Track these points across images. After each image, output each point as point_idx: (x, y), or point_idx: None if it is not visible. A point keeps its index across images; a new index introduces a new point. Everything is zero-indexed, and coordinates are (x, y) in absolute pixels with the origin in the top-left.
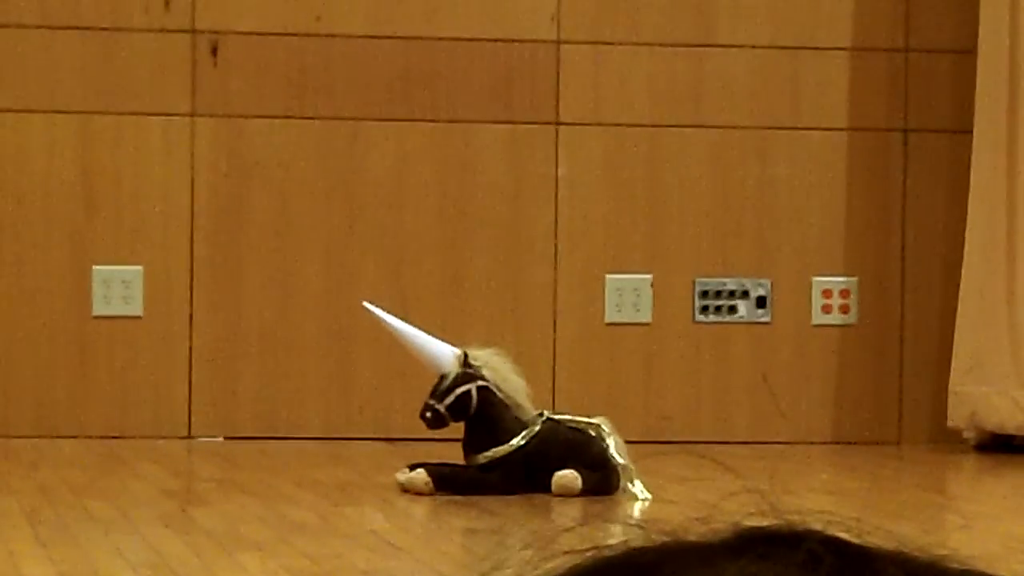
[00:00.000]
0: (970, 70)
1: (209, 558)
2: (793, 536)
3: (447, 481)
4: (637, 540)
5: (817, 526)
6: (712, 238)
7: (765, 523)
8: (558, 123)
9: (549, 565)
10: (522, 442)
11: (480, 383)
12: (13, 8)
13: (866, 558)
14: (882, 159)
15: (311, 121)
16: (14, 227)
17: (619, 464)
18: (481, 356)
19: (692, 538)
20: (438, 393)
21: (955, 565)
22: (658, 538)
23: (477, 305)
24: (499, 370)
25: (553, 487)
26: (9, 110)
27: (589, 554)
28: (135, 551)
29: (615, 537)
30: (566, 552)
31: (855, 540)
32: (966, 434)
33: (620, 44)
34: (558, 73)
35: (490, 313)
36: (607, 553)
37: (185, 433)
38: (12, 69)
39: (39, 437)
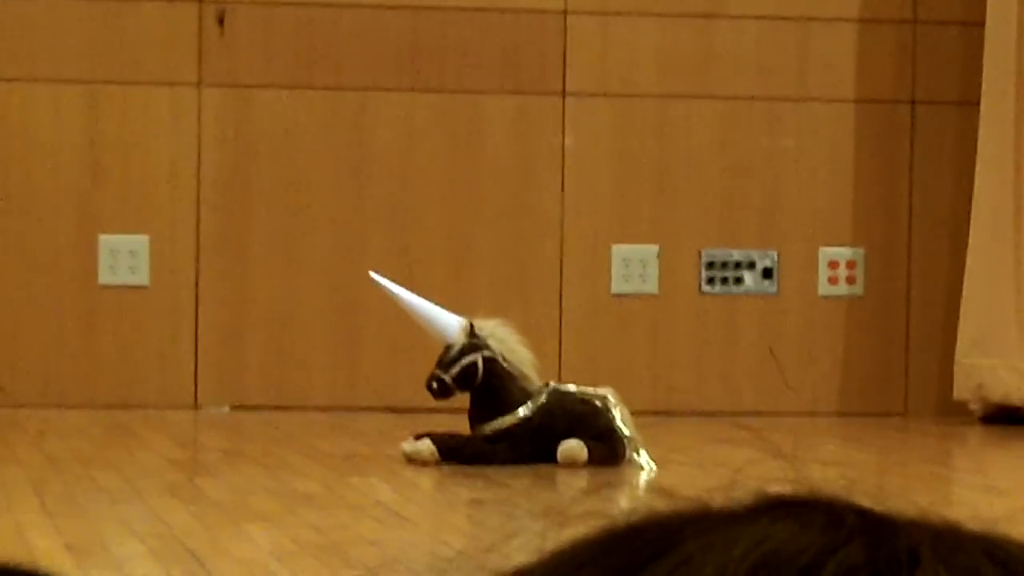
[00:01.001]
0: (978, 42)
1: (216, 529)
2: (816, 500)
3: (453, 451)
4: (658, 506)
5: (840, 492)
6: (719, 209)
7: (788, 490)
8: (565, 94)
9: (566, 532)
10: (528, 413)
11: (486, 354)
12: None
13: (889, 521)
14: (889, 131)
15: (318, 92)
16: (21, 197)
17: (625, 435)
18: (487, 327)
19: (714, 505)
20: (444, 363)
21: (975, 528)
22: (680, 505)
23: (483, 276)
24: (505, 341)
25: (559, 458)
26: (16, 79)
27: (610, 521)
28: (142, 521)
29: (636, 504)
30: (582, 516)
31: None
32: (972, 406)
33: (627, 14)
34: (565, 44)
35: (496, 284)
36: (629, 519)
37: (191, 403)
38: (19, 39)
39: (46, 407)
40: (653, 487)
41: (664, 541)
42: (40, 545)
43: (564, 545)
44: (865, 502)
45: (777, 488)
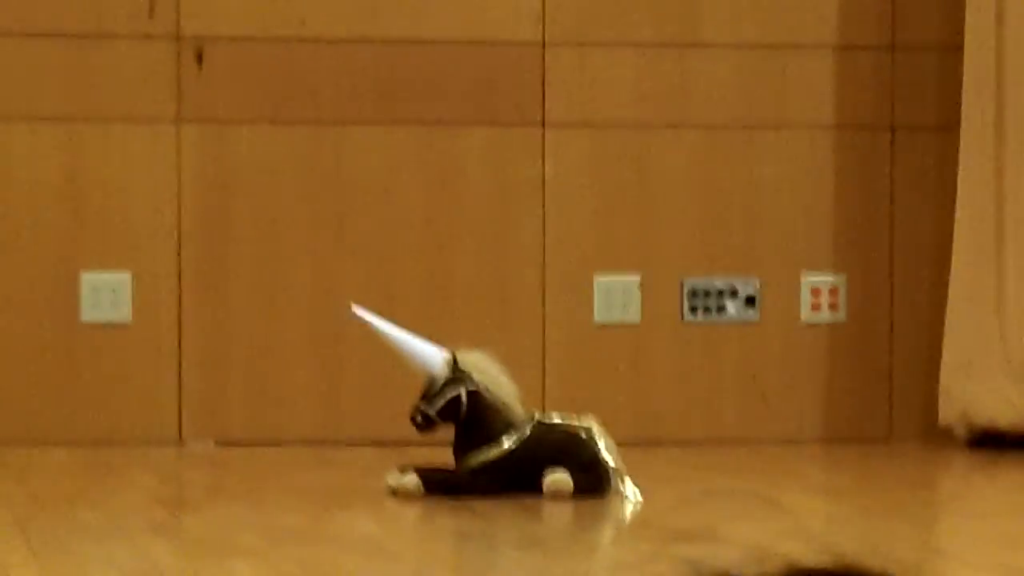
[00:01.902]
0: (957, 67)
1: (200, 565)
2: (846, 573)
3: (438, 484)
4: None
5: (874, 565)
6: (700, 238)
7: (818, 562)
8: (544, 124)
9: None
10: (513, 444)
11: (470, 386)
12: None
13: None
14: (869, 156)
15: (296, 126)
16: (2, 235)
17: (610, 465)
18: (470, 359)
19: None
20: (428, 396)
21: None
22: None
23: (465, 308)
24: (488, 372)
25: (544, 489)
26: None
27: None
28: (127, 559)
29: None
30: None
31: None
32: (957, 431)
33: (605, 45)
34: (543, 75)
35: (478, 315)
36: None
37: (175, 439)
38: None
39: (28, 445)
40: (693, 558)
41: None
42: None
43: None
44: (886, 567)
45: (809, 559)
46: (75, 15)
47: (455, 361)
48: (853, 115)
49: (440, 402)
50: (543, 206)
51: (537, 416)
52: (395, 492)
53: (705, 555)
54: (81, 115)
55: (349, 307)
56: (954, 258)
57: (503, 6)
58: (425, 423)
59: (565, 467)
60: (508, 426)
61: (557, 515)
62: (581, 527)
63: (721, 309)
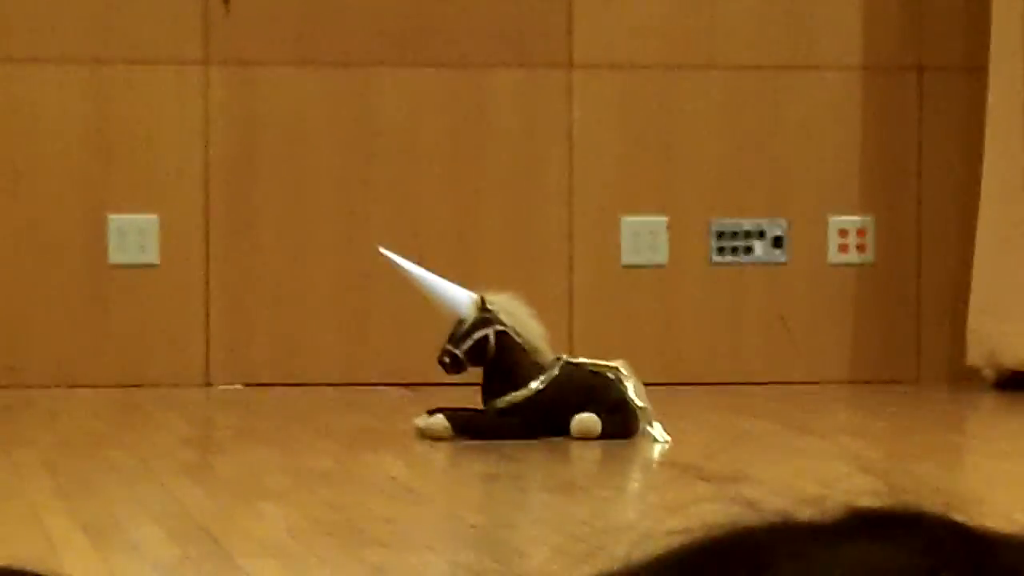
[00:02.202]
0: (985, 6)
1: (230, 507)
2: (912, 518)
3: (466, 426)
4: (746, 520)
5: (935, 508)
6: (727, 179)
7: (879, 504)
8: (571, 66)
9: (655, 546)
10: (541, 386)
11: (498, 328)
12: None
13: (988, 543)
14: (897, 97)
15: (323, 68)
16: (28, 177)
17: (638, 407)
18: (498, 301)
19: (803, 518)
20: (456, 338)
21: None
22: (768, 518)
23: (493, 250)
24: (516, 314)
25: (573, 431)
26: (21, 59)
27: (697, 533)
28: (156, 501)
29: (721, 515)
30: (671, 532)
31: (973, 523)
32: (985, 372)
33: None
34: (570, 16)
35: (506, 257)
36: (716, 533)
37: (203, 381)
38: (22, 19)
39: (57, 387)
40: (669, 460)
41: (756, 562)
42: (55, 527)
43: (649, 559)
44: (940, 509)
45: (868, 502)
46: None
47: (483, 303)
48: (881, 55)
49: (468, 343)
50: (570, 148)
51: (565, 358)
52: (423, 434)
53: (757, 497)
54: (108, 57)
55: (377, 249)
56: (982, 199)
57: None
58: (453, 365)
59: (593, 409)
60: (536, 368)
61: (585, 457)
62: (609, 469)
63: (748, 250)
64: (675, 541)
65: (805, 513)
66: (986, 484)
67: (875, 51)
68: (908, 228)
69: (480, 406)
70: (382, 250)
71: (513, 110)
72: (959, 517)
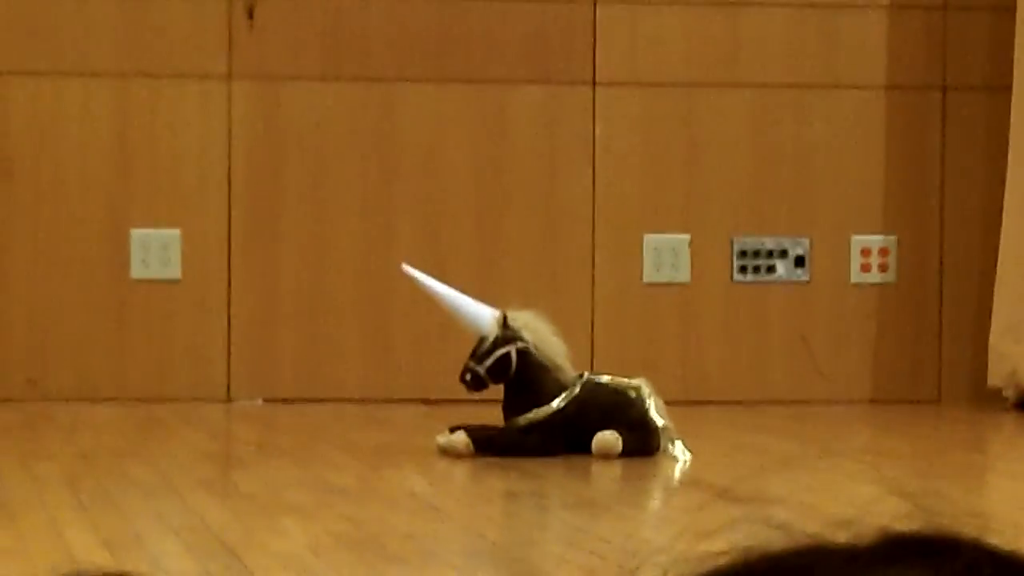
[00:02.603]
0: (1009, 27)
1: (250, 522)
2: (948, 543)
3: (487, 443)
4: (781, 542)
5: (970, 532)
6: (750, 197)
7: (914, 528)
8: (594, 83)
9: (685, 569)
10: (562, 404)
11: (520, 345)
12: None
13: (1021, 565)
14: (920, 117)
15: (347, 83)
16: (52, 191)
17: (659, 425)
18: (520, 318)
19: (839, 543)
20: (478, 355)
21: None
22: (802, 542)
23: (515, 266)
24: (538, 332)
25: (593, 449)
26: (45, 73)
27: (733, 556)
28: (176, 515)
29: (751, 538)
30: (707, 554)
31: (1009, 549)
32: (1006, 392)
33: (656, 3)
34: (594, 33)
35: (528, 274)
36: (752, 556)
37: (224, 396)
38: (47, 33)
39: (78, 401)
40: (691, 479)
41: None
42: (76, 541)
43: None
44: (997, 543)
45: (903, 525)
46: None
47: (505, 320)
48: (904, 75)
49: (490, 361)
50: (593, 165)
51: (586, 376)
52: (444, 451)
53: (783, 518)
54: (132, 71)
55: (399, 266)
56: (1004, 219)
57: None
58: (475, 382)
59: (614, 427)
60: (558, 385)
61: (606, 475)
62: (630, 487)
63: (771, 269)
64: (710, 565)
65: (840, 537)
66: (1012, 505)
67: (899, 70)
68: (930, 248)
69: (501, 423)
70: (404, 267)
71: (536, 127)
72: (994, 541)
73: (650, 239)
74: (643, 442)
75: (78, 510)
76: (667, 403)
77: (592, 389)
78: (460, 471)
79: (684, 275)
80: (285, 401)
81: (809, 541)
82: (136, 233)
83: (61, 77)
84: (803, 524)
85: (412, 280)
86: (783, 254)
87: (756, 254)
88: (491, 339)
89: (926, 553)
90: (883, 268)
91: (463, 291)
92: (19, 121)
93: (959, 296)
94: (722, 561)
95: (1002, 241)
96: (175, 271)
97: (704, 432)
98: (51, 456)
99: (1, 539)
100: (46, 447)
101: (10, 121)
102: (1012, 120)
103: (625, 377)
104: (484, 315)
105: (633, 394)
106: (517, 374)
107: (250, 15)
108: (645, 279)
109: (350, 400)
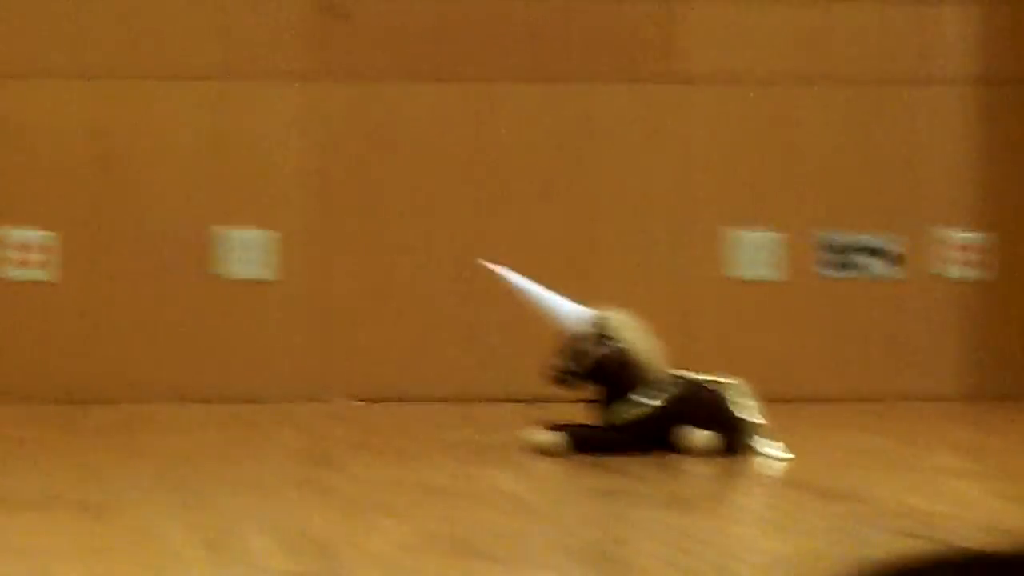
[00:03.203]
0: None
1: (346, 521)
2: None
3: (580, 442)
4: (937, 553)
5: None
6: (843, 194)
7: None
8: (685, 81)
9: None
10: (657, 402)
11: (613, 344)
12: None
13: None
14: (1016, 111)
15: (441, 83)
16: (150, 193)
17: (753, 423)
18: (613, 316)
19: (979, 550)
20: (571, 354)
21: None
22: (962, 551)
23: (606, 265)
24: (631, 330)
25: (687, 447)
26: (145, 76)
27: (886, 568)
28: (273, 515)
29: (906, 547)
30: (869, 561)
31: None
32: None
33: (747, 0)
34: (684, 30)
35: (619, 272)
36: (909, 566)
37: (318, 396)
38: (148, 37)
39: (174, 401)
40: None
41: None
42: (173, 539)
43: None
44: None
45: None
46: None
47: (599, 319)
48: (999, 69)
49: (583, 360)
50: (684, 162)
51: (680, 374)
52: (538, 449)
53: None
54: (226, 73)
55: (489, 264)
56: None
57: None
58: (569, 380)
59: (708, 425)
60: (651, 384)
61: (701, 473)
62: (724, 485)
63: (864, 265)
64: (852, 572)
65: (979, 544)
66: None
67: (993, 64)
68: None
69: (595, 422)
70: (496, 266)
71: (626, 125)
72: None
73: (743, 236)
74: (737, 440)
75: (176, 508)
76: (761, 401)
77: (685, 388)
78: (555, 470)
79: (777, 272)
80: (380, 400)
81: (969, 551)
82: (231, 233)
83: (156, 79)
84: (914, 527)
85: (504, 279)
86: (876, 251)
87: (849, 250)
88: (584, 338)
89: None
90: (979, 264)
91: (555, 289)
92: (118, 123)
93: None
94: (869, 571)
95: None
96: (268, 271)
97: (798, 430)
98: (149, 455)
99: (101, 538)
100: (144, 447)
101: (110, 123)
102: None
103: (717, 375)
104: (576, 313)
105: (726, 392)
106: (610, 373)
107: (340, 15)
108: (738, 276)
109: (443, 400)
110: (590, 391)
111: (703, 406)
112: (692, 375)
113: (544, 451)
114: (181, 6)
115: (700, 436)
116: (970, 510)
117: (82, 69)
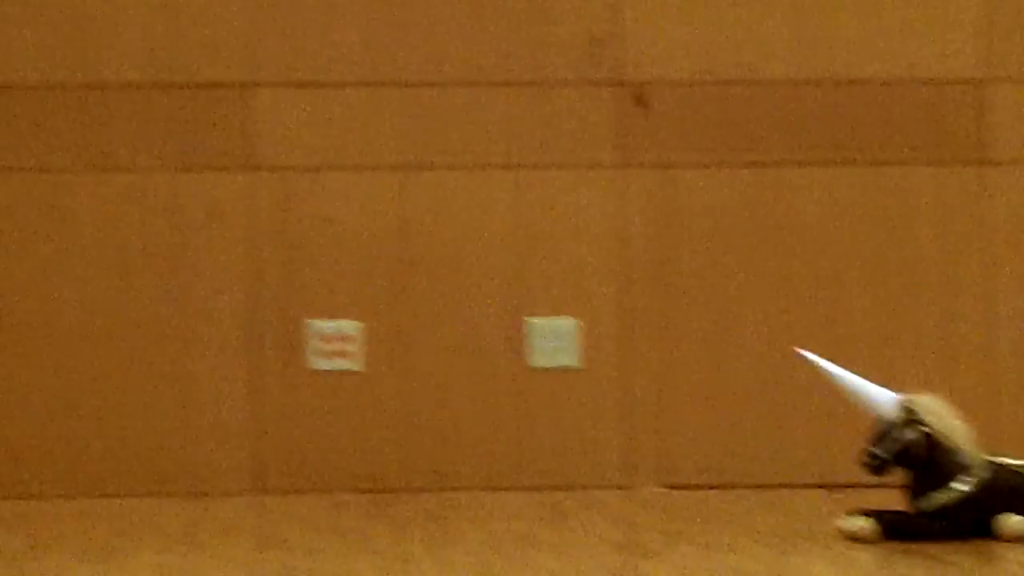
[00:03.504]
0: None
1: None
2: None
3: (893, 528)
4: None
5: None
6: None
7: None
8: (986, 163)
9: None
10: (968, 488)
11: (923, 429)
12: (446, 67)
13: None
14: None
15: (740, 169)
16: (452, 282)
17: None
18: (922, 401)
19: None
20: (880, 439)
21: None
22: None
23: (912, 349)
24: (941, 414)
25: (1002, 533)
26: (442, 167)
27: None
28: None
29: None
30: None
31: None
32: None
33: None
34: (985, 112)
35: (925, 356)
36: None
37: (624, 483)
38: (442, 126)
39: (482, 489)
40: None
41: None
42: None
43: None
44: None
45: None
46: (518, 64)
47: (907, 404)
48: None
49: (893, 445)
50: (990, 244)
51: (991, 459)
52: (850, 536)
53: None
54: (527, 162)
55: (795, 351)
56: None
57: (942, 44)
58: (878, 466)
59: (1021, 510)
60: (963, 469)
61: (1017, 560)
62: None
63: None
64: None
65: None
66: None
67: None
68: None
69: (906, 508)
70: (801, 351)
71: (929, 208)
72: None
73: None
74: None
75: None
76: None
77: (998, 472)
78: (867, 557)
79: None
80: (685, 487)
81: None
82: (534, 322)
83: (456, 169)
84: None
85: (809, 364)
86: None
87: None
88: (893, 423)
89: None
90: None
91: (862, 374)
92: (423, 212)
93: None
94: None
95: None
96: (573, 359)
97: None
98: (458, 542)
99: None
100: (452, 534)
101: (416, 212)
102: None
103: None
104: (885, 398)
105: None
106: (921, 458)
107: (640, 103)
108: None
109: (751, 486)
110: (901, 477)
111: (1015, 491)
112: (1002, 459)
113: (855, 538)
114: (465, 98)
115: (1016, 522)
116: None
117: (388, 160)
